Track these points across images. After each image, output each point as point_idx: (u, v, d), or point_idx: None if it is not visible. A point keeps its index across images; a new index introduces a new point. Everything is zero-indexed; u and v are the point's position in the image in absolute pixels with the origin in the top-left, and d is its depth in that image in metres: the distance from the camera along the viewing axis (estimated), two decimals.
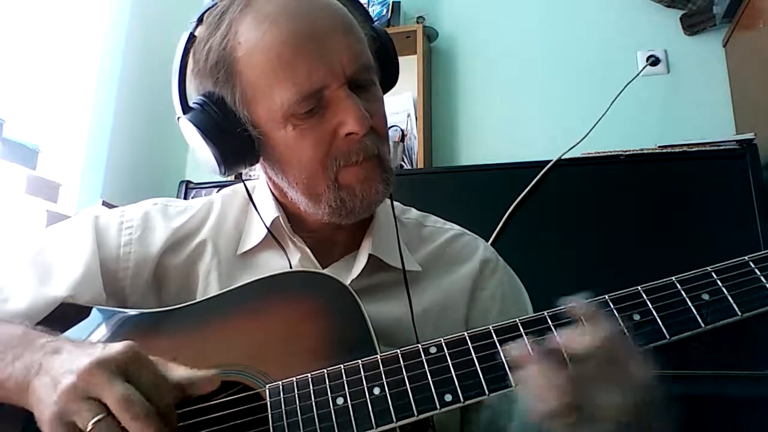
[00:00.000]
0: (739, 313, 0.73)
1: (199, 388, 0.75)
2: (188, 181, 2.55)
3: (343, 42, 0.92)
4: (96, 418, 0.67)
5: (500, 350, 0.74)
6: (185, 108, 0.95)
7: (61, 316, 0.93)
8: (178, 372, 0.75)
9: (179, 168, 3.06)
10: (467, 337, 0.77)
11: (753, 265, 0.75)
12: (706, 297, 0.74)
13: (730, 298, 0.73)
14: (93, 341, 0.85)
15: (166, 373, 0.74)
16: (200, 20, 0.97)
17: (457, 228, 1.16)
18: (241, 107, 0.93)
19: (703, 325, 0.73)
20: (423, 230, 1.14)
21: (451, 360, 0.76)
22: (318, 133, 0.91)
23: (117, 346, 0.73)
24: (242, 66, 0.91)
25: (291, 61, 0.89)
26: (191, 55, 0.97)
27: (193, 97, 0.96)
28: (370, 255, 1.02)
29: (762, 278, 0.74)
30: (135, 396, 0.69)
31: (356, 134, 0.91)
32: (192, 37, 0.97)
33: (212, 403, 0.80)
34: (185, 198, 2.48)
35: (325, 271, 1.01)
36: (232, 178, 2.35)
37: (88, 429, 0.67)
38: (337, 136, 0.92)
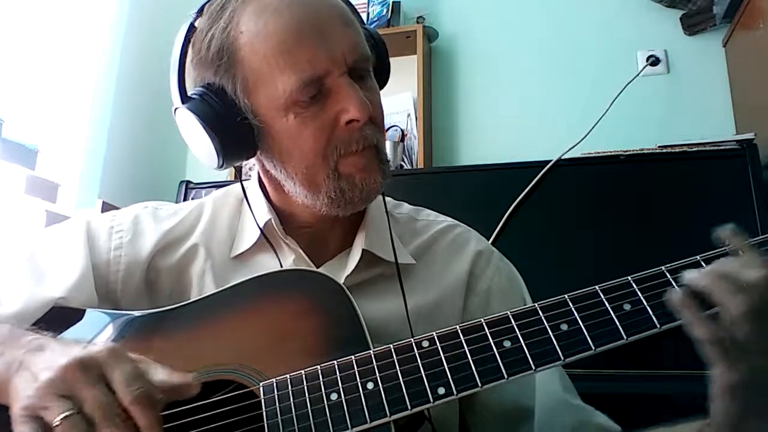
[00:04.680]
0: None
1: (178, 393, 0.73)
2: (188, 181, 2.56)
3: (344, 31, 0.92)
4: (64, 414, 0.66)
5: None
6: (184, 98, 0.95)
7: (54, 320, 0.92)
8: (158, 375, 0.73)
9: (179, 168, 3.07)
10: (459, 330, 0.77)
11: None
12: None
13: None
14: (79, 341, 0.84)
15: (148, 370, 0.73)
16: (200, 11, 0.97)
17: (449, 220, 1.16)
18: (242, 96, 0.93)
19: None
20: (416, 224, 1.14)
21: (444, 353, 0.75)
22: (319, 121, 0.91)
23: (98, 347, 0.72)
24: (244, 54, 0.91)
25: (293, 48, 0.89)
26: (191, 45, 0.96)
27: (192, 88, 0.96)
28: (363, 250, 1.02)
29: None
30: (109, 402, 0.67)
31: (357, 122, 0.91)
32: (192, 28, 0.96)
33: (207, 402, 0.80)
34: (185, 198, 2.48)
35: (318, 269, 1.01)
36: (232, 177, 2.37)
37: (55, 424, 0.66)
38: (338, 124, 0.92)
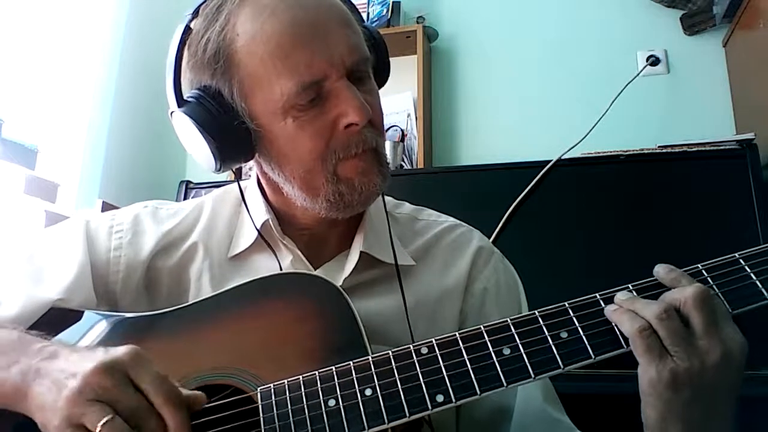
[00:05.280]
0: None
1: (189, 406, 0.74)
2: (188, 181, 2.56)
3: (342, 34, 0.91)
4: (105, 419, 0.67)
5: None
6: (180, 101, 0.94)
7: (52, 320, 0.92)
8: None
9: (179, 168, 3.07)
10: (459, 338, 0.77)
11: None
12: None
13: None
14: (89, 345, 0.84)
15: None
16: (196, 13, 0.96)
17: (451, 220, 1.15)
18: (239, 99, 0.92)
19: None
20: (416, 224, 1.13)
21: (443, 361, 0.75)
22: (317, 124, 0.91)
23: (120, 349, 0.73)
24: (241, 57, 0.90)
25: (291, 51, 0.88)
26: (187, 47, 0.95)
27: (188, 91, 0.95)
28: (361, 252, 1.01)
29: (752, 275, 0.76)
30: (144, 405, 0.69)
31: (356, 125, 0.90)
32: (188, 30, 0.95)
33: (204, 406, 0.80)
34: (185, 198, 2.48)
35: (316, 272, 1.00)
36: (231, 177, 2.37)
37: (98, 430, 0.67)
38: (337, 128, 0.91)
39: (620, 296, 0.77)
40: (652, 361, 0.72)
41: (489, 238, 1.38)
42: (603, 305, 0.76)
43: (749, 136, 2.06)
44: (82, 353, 0.75)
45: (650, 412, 0.75)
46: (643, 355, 0.73)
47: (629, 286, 0.78)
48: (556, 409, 1.00)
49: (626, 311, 0.75)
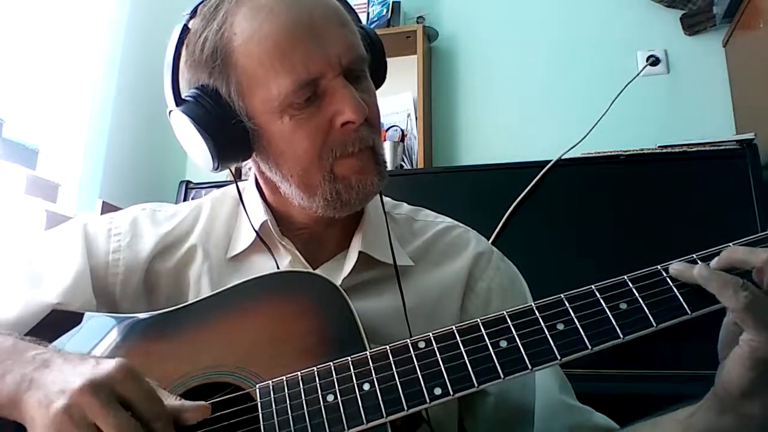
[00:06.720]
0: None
1: (189, 417, 0.74)
2: (188, 181, 2.56)
3: (338, 33, 0.92)
4: None
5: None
6: (178, 101, 0.94)
7: (52, 323, 0.92)
8: (169, 401, 0.74)
9: (179, 168, 3.07)
10: (455, 331, 0.77)
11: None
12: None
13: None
14: (84, 353, 0.84)
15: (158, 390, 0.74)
16: (194, 12, 0.96)
17: (448, 220, 1.15)
18: (237, 98, 0.92)
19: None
20: (414, 224, 1.13)
21: (440, 354, 0.75)
22: (314, 123, 0.91)
23: (109, 365, 0.72)
24: (238, 56, 0.91)
25: (288, 50, 0.88)
26: (185, 47, 0.96)
27: (186, 91, 0.95)
28: (360, 252, 1.01)
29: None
30: (131, 424, 0.68)
31: (353, 123, 0.91)
32: (185, 29, 0.96)
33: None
34: (185, 198, 2.48)
35: (315, 271, 1.01)
36: (231, 178, 2.37)
37: None
38: (334, 126, 0.91)
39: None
40: None
41: (489, 238, 1.38)
42: (598, 295, 0.75)
43: (749, 136, 2.06)
44: (74, 364, 0.75)
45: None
46: (755, 326, 0.68)
47: (694, 255, 0.76)
48: (572, 398, 1.01)
49: (726, 281, 0.70)
